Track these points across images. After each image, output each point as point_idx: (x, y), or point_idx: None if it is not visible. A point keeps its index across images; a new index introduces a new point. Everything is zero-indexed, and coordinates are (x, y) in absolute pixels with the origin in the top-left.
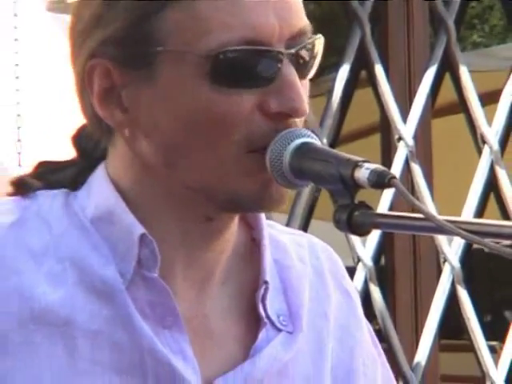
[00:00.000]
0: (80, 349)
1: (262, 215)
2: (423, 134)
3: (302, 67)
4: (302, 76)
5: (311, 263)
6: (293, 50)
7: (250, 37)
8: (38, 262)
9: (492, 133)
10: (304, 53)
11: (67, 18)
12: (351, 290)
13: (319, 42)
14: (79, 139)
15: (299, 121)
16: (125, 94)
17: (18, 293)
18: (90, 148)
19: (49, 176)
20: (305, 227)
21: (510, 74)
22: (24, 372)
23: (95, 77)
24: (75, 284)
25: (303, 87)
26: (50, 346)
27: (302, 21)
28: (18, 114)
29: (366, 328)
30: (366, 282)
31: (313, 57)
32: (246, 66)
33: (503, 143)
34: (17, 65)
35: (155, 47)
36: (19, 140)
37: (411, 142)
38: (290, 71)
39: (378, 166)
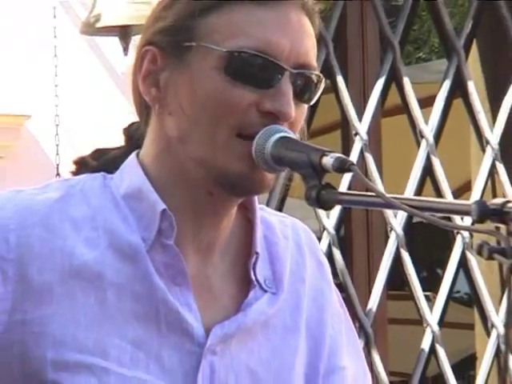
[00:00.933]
0: (108, 299)
1: (256, 200)
2: (375, 130)
3: (299, 89)
4: (298, 98)
5: (293, 239)
6: (294, 71)
7: (262, 47)
8: (77, 230)
9: (428, 129)
10: (304, 80)
11: (97, 39)
12: (324, 261)
13: (322, 81)
14: (129, 130)
15: (286, 125)
16: (162, 76)
17: (62, 252)
18: (135, 136)
19: (101, 157)
20: (281, 203)
21: (442, 84)
22: (65, 317)
23: (145, 60)
24: (106, 247)
25: (299, 111)
26: (85, 296)
27: (311, 60)
28: (57, 114)
29: (334, 291)
30: (329, 247)
31: (312, 89)
32: (253, 68)
33: (437, 137)
34: (56, 75)
35: (192, 42)
36: (57, 134)
37: (365, 137)
38: (287, 85)
39: (340, 155)
